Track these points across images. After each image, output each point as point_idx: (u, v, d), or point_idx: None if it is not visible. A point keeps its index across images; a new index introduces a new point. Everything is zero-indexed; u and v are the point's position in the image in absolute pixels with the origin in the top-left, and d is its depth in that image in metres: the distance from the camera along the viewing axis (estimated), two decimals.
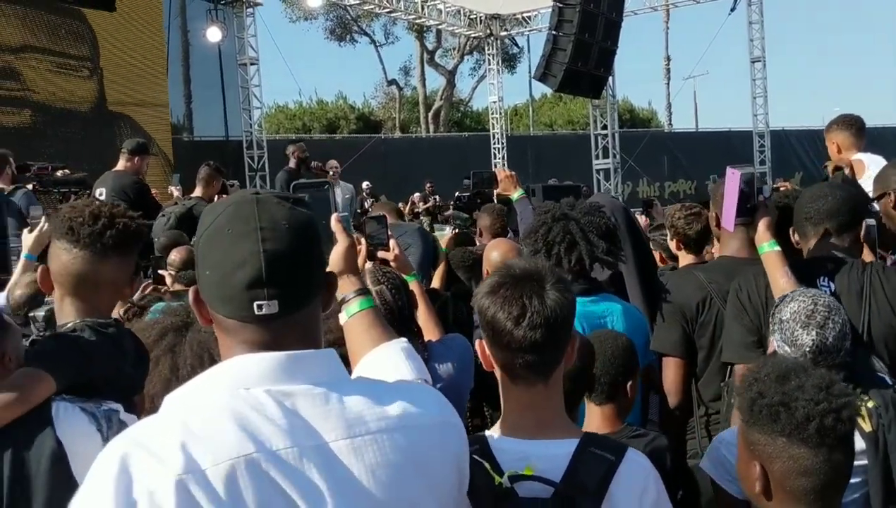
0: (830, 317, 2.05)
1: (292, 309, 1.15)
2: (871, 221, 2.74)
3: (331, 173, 8.52)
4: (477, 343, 1.67)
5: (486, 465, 1.52)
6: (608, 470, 1.52)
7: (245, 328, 1.15)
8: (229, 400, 1.10)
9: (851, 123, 4.53)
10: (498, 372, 1.63)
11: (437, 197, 14.07)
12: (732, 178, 2.57)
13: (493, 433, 1.64)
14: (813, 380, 1.52)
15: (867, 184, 3.78)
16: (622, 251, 2.84)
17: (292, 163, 8.11)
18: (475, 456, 1.51)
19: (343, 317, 1.65)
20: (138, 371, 1.68)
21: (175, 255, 4.34)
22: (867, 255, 2.73)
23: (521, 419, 1.60)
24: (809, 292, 2.15)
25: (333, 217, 1.71)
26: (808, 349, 2.03)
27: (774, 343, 2.12)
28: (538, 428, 1.58)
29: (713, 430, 2.77)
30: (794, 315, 2.07)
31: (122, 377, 1.69)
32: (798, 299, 2.10)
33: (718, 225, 2.88)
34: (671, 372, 2.82)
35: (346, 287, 1.64)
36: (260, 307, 1.12)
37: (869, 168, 4.10)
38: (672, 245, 3.55)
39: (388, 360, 1.48)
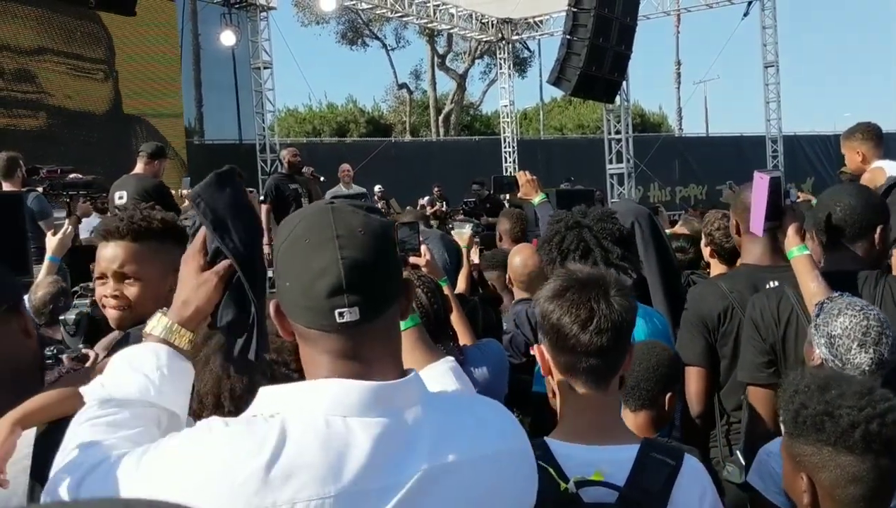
0: (884, 332, 2.01)
1: (372, 315, 1.15)
2: None
3: (341, 175, 8.52)
4: (535, 348, 1.67)
5: (551, 471, 1.52)
6: (670, 475, 1.53)
7: (327, 337, 1.15)
8: (326, 431, 1.10)
9: (875, 132, 4.59)
10: (557, 377, 1.63)
11: (446, 201, 14.04)
12: (761, 183, 2.56)
13: (551, 438, 1.63)
14: (854, 387, 1.53)
15: None
16: (637, 257, 2.84)
17: (284, 168, 8.10)
18: (539, 462, 1.51)
19: None
20: None
21: None
22: None
23: (581, 424, 1.60)
24: (856, 303, 2.09)
25: None
26: (865, 368, 2.00)
27: (819, 355, 2.07)
28: (598, 434, 1.58)
29: (734, 440, 2.76)
30: (846, 331, 2.02)
31: None
32: (847, 313, 2.04)
33: (739, 232, 2.86)
34: (694, 381, 2.81)
35: None
36: (342, 314, 1.12)
37: (888, 174, 4.12)
38: (706, 251, 3.54)
39: (435, 384, 1.46)
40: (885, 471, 1.49)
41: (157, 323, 1.34)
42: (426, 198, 14.59)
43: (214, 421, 1.14)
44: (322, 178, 8.77)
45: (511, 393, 2.55)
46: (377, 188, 14.23)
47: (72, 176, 6.36)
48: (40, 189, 6.05)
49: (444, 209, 13.67)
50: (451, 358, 1.58)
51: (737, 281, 2.84)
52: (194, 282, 1.36)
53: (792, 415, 1.54)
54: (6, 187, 5.98)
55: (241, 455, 1.07)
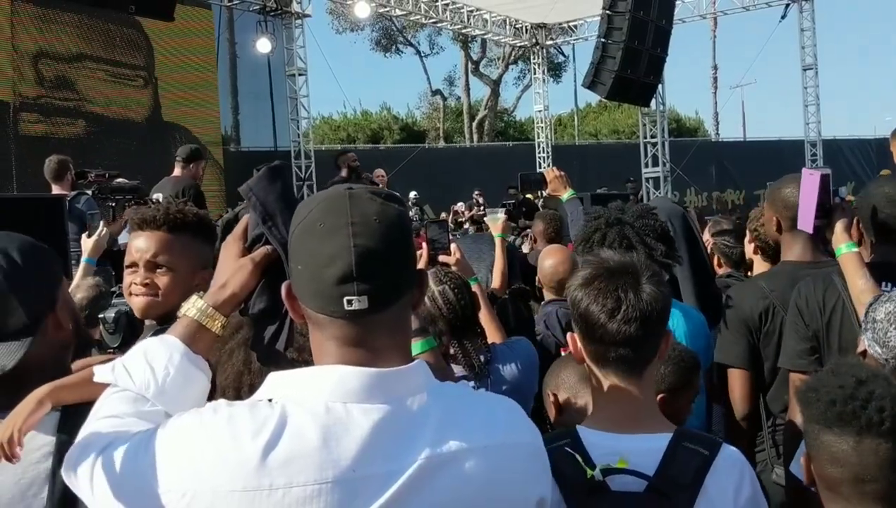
0: None
1: (382, 305, 1.14)
2: None
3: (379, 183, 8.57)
4: (569, 336, 1.65)
5: (578, 458, 1.50)
6: (703, 465, 1.49)
7: (335, 323, 1.15)
8: (326, 416, 1.10)
9: None
10: (589, 366, 1.61)
11: (486, 206, 14.05)
12: (810, 179, 2.53)
13: (583, 426, 1.61)
14: (855, 372, 1.48)
15: None
16: (678, 254, 2.79)
17: (344, 173, 8.12)
18: (567, 449, 1.51)
19: None
20: None
21: None
22: None
23: (612, 413, 1.58)
24: None
25: None
26: None
27: (865, 342, 2.06)
28: (630, 422, 1.56)
29: (780, 441, 2.69)
30: (888, 315, 2.01)
31: None
32: (894, 299, 2.03)
33: (780, 229, 2.81)
34: (737, 383, 2.76)
35: None
36: (350, 302, 1.11)
37: None
38: (749, 249, 3.46)
39: None
40: (868, 455, 1.42)
41: (192, 306, 1.34)
42: (461, 204, 14.63)
43: (220, 403, 1.15)
44: (380, 185, 8.86)
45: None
46: (411, 194, 14.31)
47: (118, 180, 6.46)
48: (90, 192, 6.15)
49: (481, 212, 13.69)
50: (464, 383, 1.55)
51: (777, 279, 2.79)
52: (232, 267, 1.37)
53: (818, 405, 1.50)
54: (56, 190, 6.08)
55: (240, 436, 1.07)
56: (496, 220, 3.89)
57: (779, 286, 2.73)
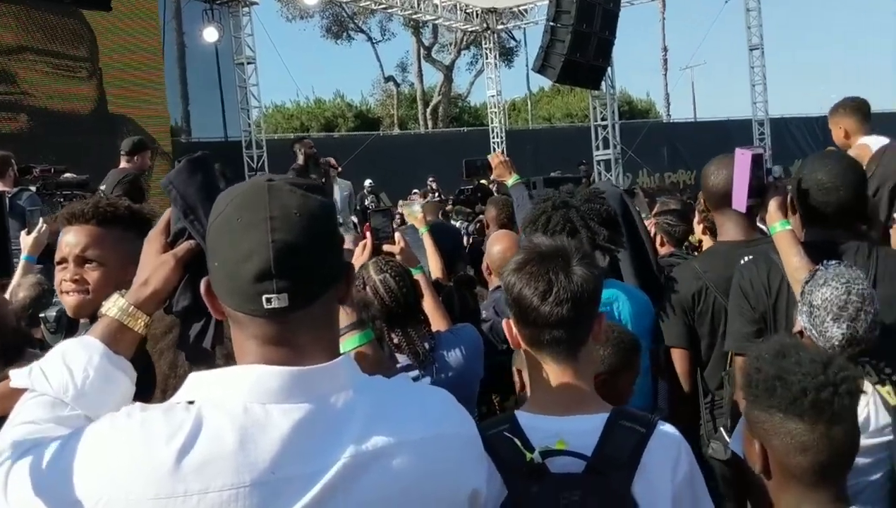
0: (863, 309, 1.98)
1: (303, 302, 1.10)
2: None
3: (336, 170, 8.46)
4: (504, 321, 1.66)
5: (517, 442, 1.51)
6: (639, 442, 1.51)
7: (254, 322, 1.11)
8: (243, 418, 1.06)
9: (858, 107, 4.52)
10: (525, 350, 1.62)
11: (441, 193, 14.04)
12: (742, 159, 2.57)
13: (520, 411, 1.63)
14: (811, 355, 1.49)
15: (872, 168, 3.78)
16: (623, 237, 2.83)
17: (300, 160, 7.95)
18: (505, 433, 1.52)
19: None
20: None
21: None
22: None
23: (549, 396, 1.59)
24: (843, 275, 2.04)
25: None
26: (836, 342, 1.99)
27: (801, 322, 2.07)
28: (567, 405, 1.57)
29: (717, 416, 2.77)
30: (825, 303, 2.00)
31: None
32: (831, 284, 2.02)
33: (716, 208, 2.86)
34: (679, 362, 2.83)
35: (341, 319, 1.54)
36: (269, 300, 1.08)
37: (874, 150, 4.10)
38: (698, 229, 3.51)
39: None
40: (836, 442, 1.44)
41: (113, 304, 1.31)
42: (416, 192, 14.59)
43: (135, 407, 1.11)
44: (340, 169, 8.72)
45: (489, 374, 2.55)
46: (367, 182, 14.23)
47: (66, 176, 6.31)
48: (33, 188, 5.99)
49: (436, 199, 13.68)
50: (406, 375, 1.56)
51: (711, 259, 2.86)
52: (154, 263, 1.34)
53: (747, 379, 1.52)
54: None
55: (153, 440, 1.04)
56: (414, 214, 3.66)
57: (712, 266, 2.79)
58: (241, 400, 1.08)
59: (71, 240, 1.89)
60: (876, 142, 4.22)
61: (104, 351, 1.25)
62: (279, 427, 1.06)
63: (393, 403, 1.17)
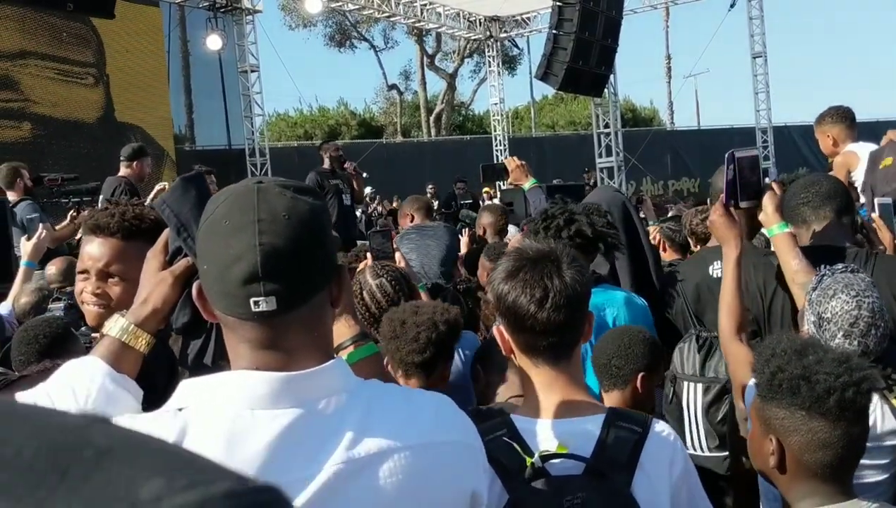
0: (874, 323, 1.96)
1: (292, 305, 1.09)
2: (887, 200, 2.73)
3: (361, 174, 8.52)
4: (495, 328, 1.66)
5: (516, 446, 1.51)
6: (637, 443, 1.52)
7: (244, 325, 1.11)
8: (231, 424, 1.05)
9: (844, 115, 4.54)
10: (518, 357, 1.62)
11: (439, 200, 14.06)
12: (729, 158, 2.56)
13: (516, 415, 1.62)
14: (832, 355, 1.52)
15: (861, 175, 3.79)
16: (621, 243, 2.85)
17: (326, 164, 7.98)
18: (504, 439, 1.52)
19: None
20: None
21: None
22: (884, 235, 2.74)
23: (545, 400, 1.59)
24: (852, 287, 2.00)
25: None
26: None
27: (807, 331, 2.05)
28: (564, 407, 1.57)
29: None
30: (835, 317, 1.98)
31: None
32: (841, 296, 1.99)
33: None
34: None
35: (342, 332, 1.52)
36: (257, 303, 1.07)
37: (862, 159, 4.11)
38: (692, 241, 3.57)
39: None
40: (854, 439, 1.50)
41: (115, 324, 1.31)
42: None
43: (124, 416, 1.10)
44: (365, 174, 8.78)
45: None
46: (368, 190, 14.23)
47: (74, 184, 6.38)
48: (29, 198, 6.03)
49: (439, 206, 13.70)
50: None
51: (687, 265, 2.98)
52: (153, 281, 1.34)
53: (767, 377, 1.53)
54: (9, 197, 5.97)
55: None
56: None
57: (687, 272, 2.90)
58: (230, 406, 1.07)
59: (94, 253, 1.84)
60: (863, 148, 4.23)
61: (107, 371, 1.26)
62: (266, 433, 1.05)
63: (388, 408, 1.15)
